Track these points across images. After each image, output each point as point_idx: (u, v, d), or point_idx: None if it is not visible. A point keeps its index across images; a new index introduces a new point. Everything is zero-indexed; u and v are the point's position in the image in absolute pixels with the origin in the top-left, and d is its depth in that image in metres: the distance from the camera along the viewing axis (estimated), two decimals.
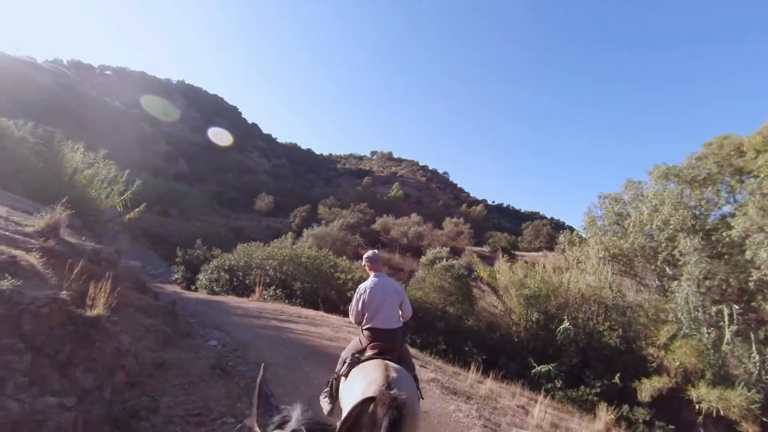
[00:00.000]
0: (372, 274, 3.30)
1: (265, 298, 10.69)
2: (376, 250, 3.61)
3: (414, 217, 36.53)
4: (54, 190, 10.16)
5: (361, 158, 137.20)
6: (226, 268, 12.17)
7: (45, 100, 48.14)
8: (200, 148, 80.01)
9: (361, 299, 3.10)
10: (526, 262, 13.29)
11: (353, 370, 2.68)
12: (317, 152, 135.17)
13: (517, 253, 34.15)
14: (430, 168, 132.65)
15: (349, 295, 10.33)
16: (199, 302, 9.59)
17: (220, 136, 59.01)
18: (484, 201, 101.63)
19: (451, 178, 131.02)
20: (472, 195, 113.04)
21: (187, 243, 15.85)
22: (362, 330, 3.10)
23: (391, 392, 2.13)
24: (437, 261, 11.19)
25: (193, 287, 12.57)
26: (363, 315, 3.10)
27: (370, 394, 2.16)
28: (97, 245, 4.29)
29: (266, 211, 41.82)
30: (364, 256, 3.50)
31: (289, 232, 21.27)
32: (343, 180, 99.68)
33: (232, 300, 10.28)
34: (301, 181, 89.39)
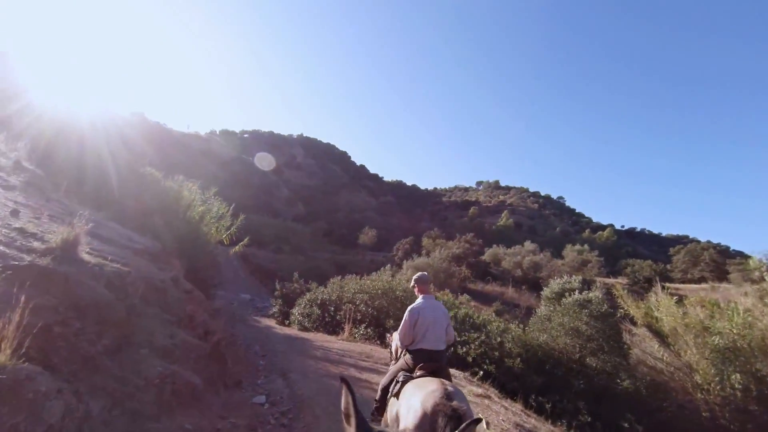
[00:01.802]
0: (421, 296, 3.25)
1: (355, 337, 9.49)
2: (426, 273, 3.46)
3: (528, 245, 32.44)
4: (172, 226, 11.01)
5: (466, 189, 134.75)
6: (318, 302, 11.44)
7: (198, 161, 59.59)
8: (316, 192, 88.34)
9: (414, 321, 3.03)
10: (705, 298, 9.51)
11: (407, 386, 2.62)
12: (422, 187, 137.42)
13: (668, 285, 27.19)
14: (543, 194, 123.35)
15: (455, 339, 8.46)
16: (283, 339, 8.85)
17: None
18: (611, 226, 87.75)
19: (567, 203, 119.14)
20: (595, 220, 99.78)
21: (290, 277, 15.94)
22: (408, 351, 3.04)
23: (452, 403, 2.13)
24: (566, 294, 8.47)
25: (287, 322, 12.15)
26: (413, 336, 3.03)
27: (429, 405, 2.17)
28: (124, 268, 3.58)
29: (370, 245, 42.31)
30: (414, 277, 3.41)
31: (388, 265, 20.31)
32: (449, 213, 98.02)
33: (320, 338, 9.31)
34: (407, 216, 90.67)
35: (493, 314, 14.01)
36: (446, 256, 25.04)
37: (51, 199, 7.13)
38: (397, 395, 2.64)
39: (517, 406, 6.01)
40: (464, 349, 7.69)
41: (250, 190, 62.10)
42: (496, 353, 7.30)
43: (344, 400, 0.83)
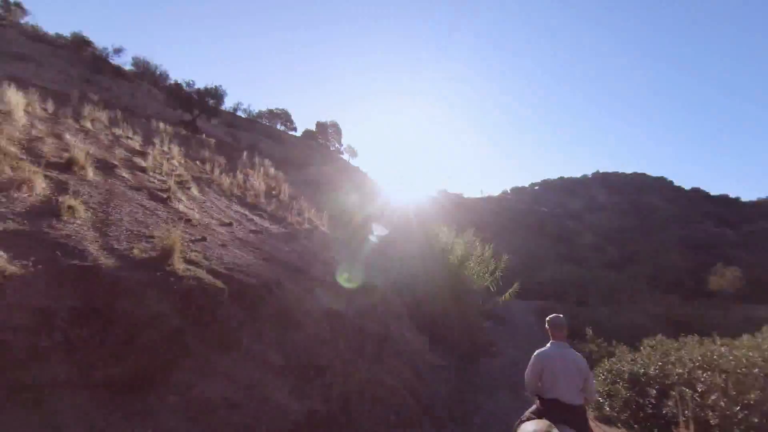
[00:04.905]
0: (551, 341, 3.04)
1: None
2: (561, 315, 3.12)
3: None
4: (431, 267, 10.72)
5: None
6: (626, 377, 7.21)
7: (488, 219, 63.07)
8: (631, 232, 72.49)
9: (540, 369, 2.90)
10: None
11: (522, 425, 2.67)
12: None
13: None
14: None
15: None
16: None
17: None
18: None
19: None
20: None
21: (583, 334, 11.88)
22: (540, 398, 2.92)
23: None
24: None
25: None
26: (538, 384, 2.91)
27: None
28: (221, 284, 2.65)
29: (736, 294, 27.97)
30: (548, 318, 3.17)
31: None
32: None
33: None
34: None
35: None
36: None
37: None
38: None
39: None
40: None
41: (545, 240, 58.44)
42: None
43: None
